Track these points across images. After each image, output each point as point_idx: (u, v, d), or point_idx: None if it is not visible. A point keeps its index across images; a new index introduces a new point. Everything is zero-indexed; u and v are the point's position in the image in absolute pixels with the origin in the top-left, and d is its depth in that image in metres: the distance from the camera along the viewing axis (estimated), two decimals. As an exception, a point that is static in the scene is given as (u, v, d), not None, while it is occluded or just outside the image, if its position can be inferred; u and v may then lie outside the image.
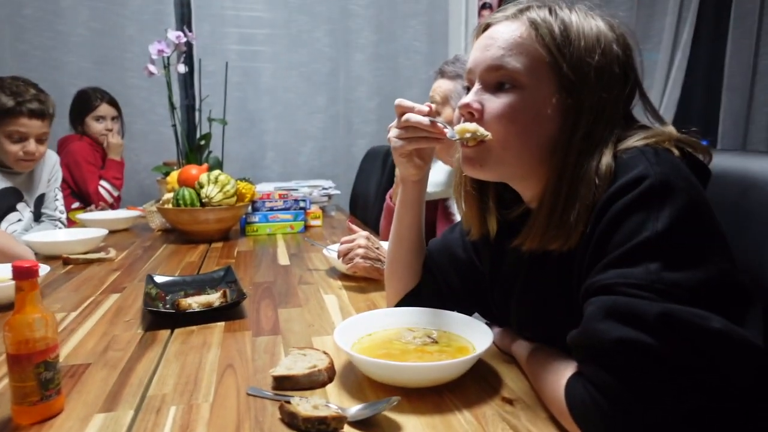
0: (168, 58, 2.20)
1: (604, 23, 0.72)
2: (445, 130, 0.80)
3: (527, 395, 0.71)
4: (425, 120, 0.81)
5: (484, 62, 0.73)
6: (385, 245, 1.32)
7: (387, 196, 1.67)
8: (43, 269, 1.23)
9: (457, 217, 1.39)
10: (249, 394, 0.73)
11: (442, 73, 1.37)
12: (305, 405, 0.65)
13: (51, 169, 2.01)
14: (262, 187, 2.31)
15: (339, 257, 1.29)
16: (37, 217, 1.96)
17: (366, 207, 2.39)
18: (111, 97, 2.54)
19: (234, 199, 1.82)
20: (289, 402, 0.66)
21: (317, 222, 2.14)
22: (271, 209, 1.99)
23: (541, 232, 0.70)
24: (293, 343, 0.92)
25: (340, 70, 3.07)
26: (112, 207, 2.46)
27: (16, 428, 0.65)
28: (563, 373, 0.64)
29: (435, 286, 0.94)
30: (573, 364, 0.64)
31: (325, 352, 0.81)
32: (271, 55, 2.96)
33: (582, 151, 0.68)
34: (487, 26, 0.76)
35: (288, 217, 2.01)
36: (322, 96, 3.07)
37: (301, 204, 2.04)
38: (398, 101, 0.84)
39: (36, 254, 1.52)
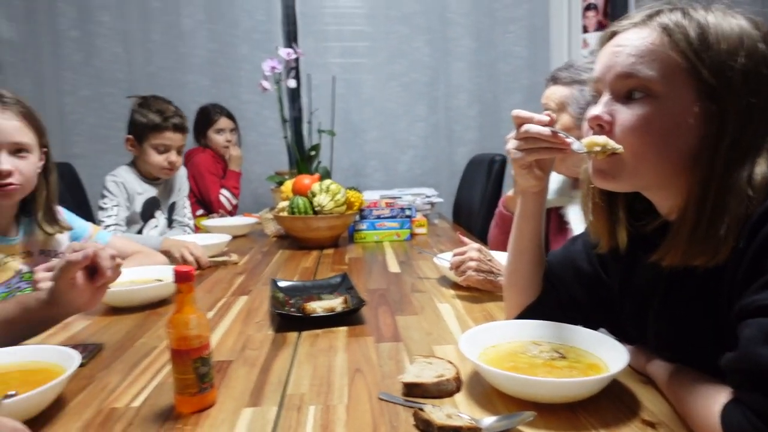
0: (279, 73, 2.33)
1: (747, 21, 0.67)
2: (568, 140, 0.79)
3: (670, 419, 0.68)
4: (546, 130, 0.80)
5: (614, 70, 0.70)
6: (496, 255, 1.31)
7: (500, 204, 1.65)
8: (181, 272, 1.35)
9: (573, 227, 1.35)
10: (381, 399, 0.76)
11: (555, 80, 1.34)
12: (439, 413, 0.67)
13: (181, 180, 2.21)
14: (367, 196, 2.38)
15: (451, 269, 1.30)
16: (170, 223, 2.16)
17: (470, 215, 2.38)
18: (228, 111, 2.74)
19: (344, 207, 1.89)
20: (422, 409, 0.68)
21: (422, 230, 2.17)
22: (378, 217, 2.05)
23: (685, 247, 0.66)
24: (414, 351, 0.94)
25: (440, 79, 3.09)
26: (231, 214, 2.64)
27: (179, 416, 0.73)
28: (715, 398, 0.61)
29: (557, 299, 0.92)
30: (725, 388, 0.61)
31: (450, 362, 0.83)
32: (371, 66, 3.05)
33: (730, 161, 0.64)
34: (612, 34, 0.74)
35: (394, 225, 2.05)
36: (422, 105, 3.11)
37: (407, 212, 2.07)
38: (516, 112, 0.84)
39: (169, 258, 1.67)
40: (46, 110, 2.92)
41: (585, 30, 3.00)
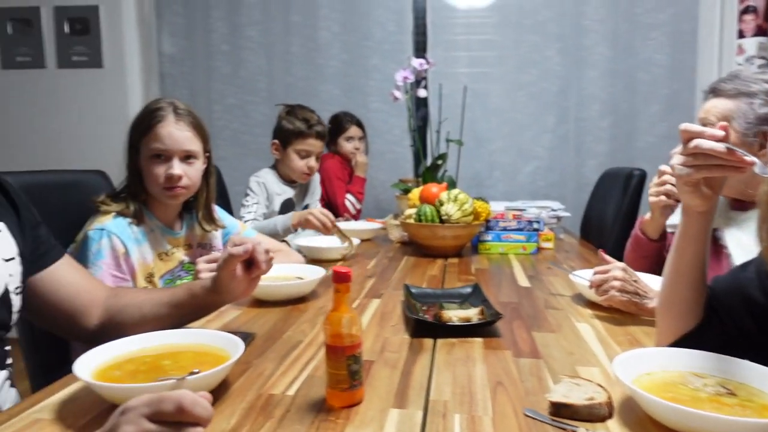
0: (410, 84, 2.38)
1: None
2: (747, 159, 0.72)
3: None
4: (720, 146, 0.74)
5: None
6: (642, 277, 1.24)
7: (636, 226, 1.56)
8: (318, 271, 1.43)
9: (730, 251, 1.23)
10: (526, 415, 0.74)
11: (716, 92, 1.24)
12: (594, 437, 0.64)
13: (315, 184, 2.34)
14: (491, 206, 2.34)
15: (591, 287, 1.24)
16: None
17: (601, 232, 2.26)
18: (358, 120, 2.85)
19: (471, 217, 1.89)
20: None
21: (549, 244, 2.10)
22: (504, 229, 2.01)
23: None
24: (556, 370, 0.91)
25: (571, 89, 2.98)
26: (354, 218, 2.74)
27: (330, 409, 0.76)
28: None
29: (721, 329, 0.85)
30: None
31: (600, 385, 0.79)
32: (500, 76, 3.01)
33: None
34: None
35: (521, 237, 2.00)
36: (551, 115, 3.01)
37: (535, 225, 2.01)
38: (684, 126, 0.78)
39: (304, 257, 1.77)
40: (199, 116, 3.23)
41: (741, 35, 2.73)
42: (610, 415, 0.74)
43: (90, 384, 0.73)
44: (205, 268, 1.23)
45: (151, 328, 0.94)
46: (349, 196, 2.76)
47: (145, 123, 1.33)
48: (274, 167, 2.21)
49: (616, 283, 1.18)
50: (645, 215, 1.56)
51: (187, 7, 3.13)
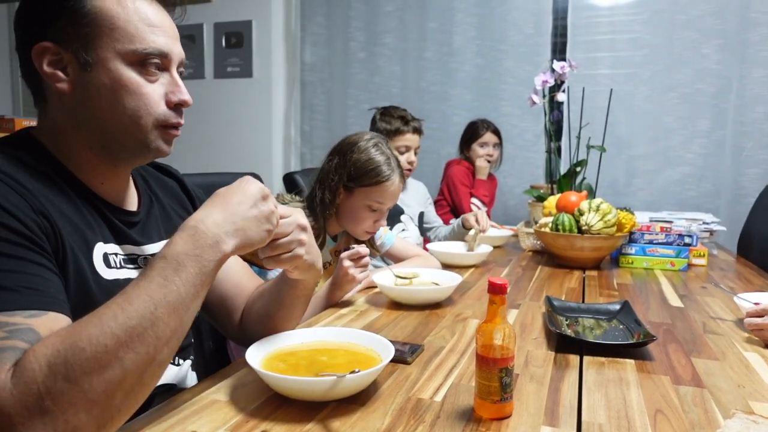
0: (549, 87, 2.31)
1: None
2: None
3: None
4: None
5: None
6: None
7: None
8: (455, 278, 1.44)
9: None
10: (695, 450, 0.69)
11: None
12: (782, 484, 0.58)
13: (425, 194, 2.46)
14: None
15: (746, 317, 1.12)
16: (423, 231, 2.35)
17: (765, 252, 2.02)
18: (495, 127, 2.82)
19: (613, 228, 1.78)
20: (760, 475, 0.60)
21: (701, 261, 1.92)
22: (651, 242, 1.87)
23: None
24: (725, 403, 0.83)
25: (731, 89, 2.69)
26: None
27: (479, 419, 0.77)
28: None
29: None
30: None
31: (784, 426, 0.71)
32: (648, 77, 2.81)
33: None
34: None
35: (669, 252, 1.85)
36: (705, 119, 2.75)
37: (686, 240, 1.85)
38: None
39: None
40: (334, 122, 3.40)
41: None
42: (797, 462, 0.66)
43: (261, 373, 0.80)
44: (351, 265, 1.30)
45: (270, 308, 0.98)
46: (474, 199, 2.75)
47: (375, 176, 1.45)
48: None
49: None
50: None
51: (329, 18, 3.31)
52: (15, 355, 0.58)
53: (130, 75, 0.79)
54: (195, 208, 1.04)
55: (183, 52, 0.86)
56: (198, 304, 0.69)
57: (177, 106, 0.84)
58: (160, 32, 0.81)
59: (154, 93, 0.81)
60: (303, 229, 0.85)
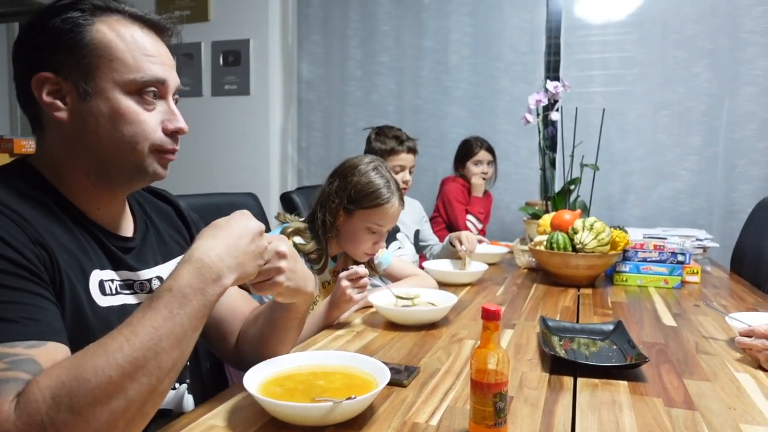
0: (542, 106, 2.34)
1: None
2: None
3: None
4: None
5: None
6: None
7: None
8: (451, 298, 1.45)
9: None
10: (686, 474, 0.70)
11: None
12: None
13: (420, 212, 2.47)
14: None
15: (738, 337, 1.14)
16: (419, 249, 2.36)
17: (758, 267, 2.04)
18: (489, 145, 2.84)
19: (607, 247, 1.80)
20: (749, 500, 0.61)
21: (694, 278, 1.94)
22: (644, 260, 1.89)
23: None
24: (716, 426, 0.84)
25: (722, 107, 2.73)
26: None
27: (474, 444, 0.78)
28: None
29: None
30: None
31: (773, 449, 0.73)
32: (640, 95, 2.84)
33: None
34: None
35: (662, 270, 1.87)
36: (696, 136, 2.78)
37: (680, 258, 1.87)
38: None
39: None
40: (331, 139, 3.43)
41: None
42: (785, 486, 0.67)
43: (258, 399, 0.81)
44: (348, 285, 1.31)
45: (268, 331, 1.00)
46: (470, 216, 2.76)
47: (375, 199, 1.48)
48: None
49: (762, 357, 1.07)
50: None
51: (326, 36, 3.35)
52: (17, 387, 0.59)
53: (128, 104, 0.81)
54: (190, 233, 1.06)
55: (178, 79, 0.89)
56: (197, 335, 0.71)
57: (173, 133, 0.86)
58: (157, 61, 0.84)
59: (152, 120, 0.84)
60: (282, 257, 0.86)
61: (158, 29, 0.87)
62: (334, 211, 1.49)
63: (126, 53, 0.81)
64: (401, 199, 1.54)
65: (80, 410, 0.58)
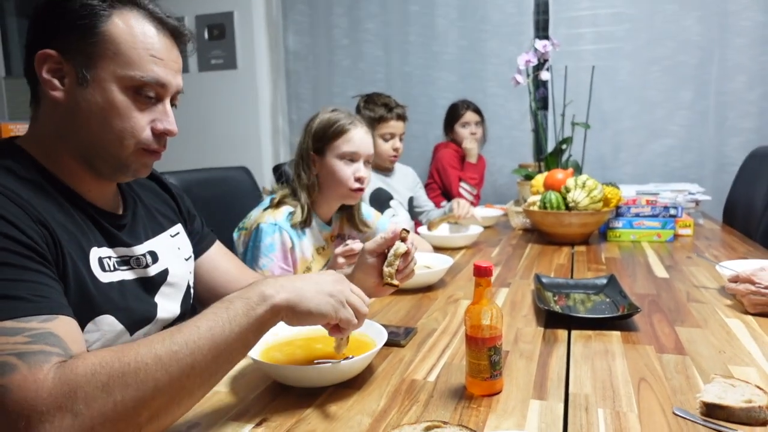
0: (532, 66, 2.32)
1: None
2: None
3: None
4: None
5: None
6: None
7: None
8: (446, 260, 1.47)
9: None
10: (676, 414, 0.73)
11: None
12: (755, 442, 0.62)
13: (414, 179, 2.46)
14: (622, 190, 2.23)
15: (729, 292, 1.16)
16: (414, 215, 2.37)
17: (749, 218, 2.06)
18: (475, 106, 2.83)
19: (600, 204, 1.82)
20: (735, 434, 0.63)
21: (687, 231, 1.96)
22: (637, 215, 1.91)
23: None
24: (705, 368, 0.87)
25: (713, 60, 2.71)
26: (473, 204, 2.74)
27: (471, 396, 0.80)
28: None
29: None
30: None
31: (759, 387, 0.75)
32: (630, 51, 2.82)
33: None
34: None
35: (655, 224, 1.89)
36: (687, 90, 2.77)
37: (672, 212, 1.89)
38: None
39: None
40: (319, 110, 3.40)
41: None
42: (771, 420, 0.70)
43: (259, 364, 0.83)
44: (343, 263, 1.32)
45: None
46: (462, 183, 2.76)
47: (336, 129, 1.48)
48: None
49: (746, 301, 1.10)
50: None
51: (311, 6, 3.29)
52: (48, 358, 0.61)
53: (122, 99, 0.81)
54: (178, 204, 1.08)
55: (181, 84, 0.88)
56: (241, 350, 0.71)
57: (161, 134, 0.86)
58: (162, 64, 0.83)
59: (142, 119, 0.84)
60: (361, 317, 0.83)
61: (175, 34, 0.87)
62: (308, 160, 1.51)
63: (132, 50, 0.81)
64: (368, 128, 1.54)
65: (112, 390, 0.60)
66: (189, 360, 0.64)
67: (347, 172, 1.49)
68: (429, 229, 1.98)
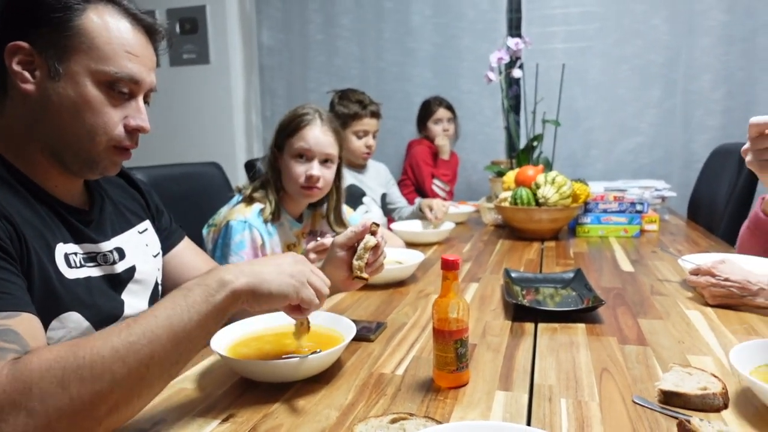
0: (504, 64, 2.35)
1: None
2: None
3: None
4: None
5: None
6: (747, 262, 1.17)
7: (757, 206, 1.45)
8: (417, 256, 1.48)
9: None
10: (635, 402, 0.75)
11: None
12: (708, 428, 0.64)
13: (386, 175, 2.46)
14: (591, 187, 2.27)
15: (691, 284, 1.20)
16: (387, 212, 2.38)
17: (712, 213, 2.12)
18: (448, 103, 2.86)
19: (569, 200, 1.85)
20: (689, 422, 0.65)
21: (653, 227, 2.01)
22: (605, 211, 1.95)
23: None
24: (665, 358, 0.89)
25: (680, 59, 2.78)
26: (445, 200, 2.76)
27: (438, 389, 0.81)
28: None
29: None
30: None
31: (714, 375, 0.78)
32: (600, 50, 2.87)
33: None
34: None
35: (622, 220, 1.93)
36: (656, 89, 2.84)
37: (638, 207, 1.94)
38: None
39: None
40: (295, 106, 3.38)
41: None
42: (725, 406, 0.72)
43: (226, 359, 0.82)
44: (314, 258, 1.32)
45: None
46: (435, 180, 2.78)
47: (294, 124, 1.48)
48: None
49: (706, 293, 1.13)
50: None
51: (285, 1, 3.26)
52: (1, 355, 0.60)
53: (96, 94, 0.81)
54: (146, 199, 1.07)
55: (155, 81, 0.88)
56: (202, 338, 0.69)
57: (134, 131, 0.85)
58: (136, 60, 0.83)
59: (115, 115, 0.83)
60: (321, 297, 0.81)
61: (149, 30, 0.86)
62: (273, 156, 1.51)
63: (107, 45, 0.80)
64: (330, 125, 1.50)
65: (67, 385, 0.59)
66: (147, 350, 0.63)
67: (298, 170, 1.47)
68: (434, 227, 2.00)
